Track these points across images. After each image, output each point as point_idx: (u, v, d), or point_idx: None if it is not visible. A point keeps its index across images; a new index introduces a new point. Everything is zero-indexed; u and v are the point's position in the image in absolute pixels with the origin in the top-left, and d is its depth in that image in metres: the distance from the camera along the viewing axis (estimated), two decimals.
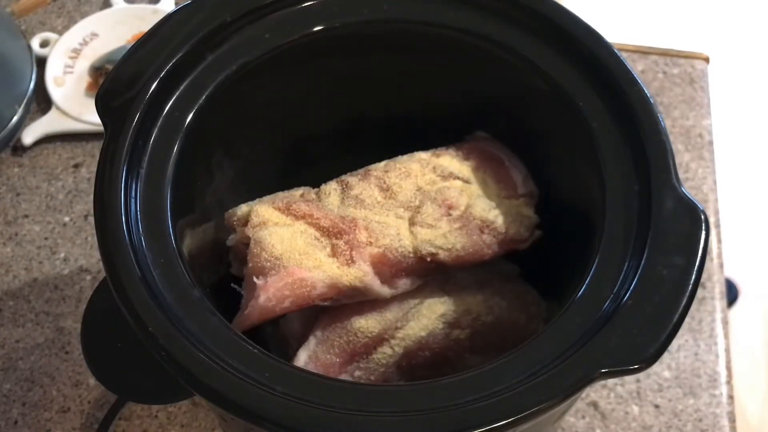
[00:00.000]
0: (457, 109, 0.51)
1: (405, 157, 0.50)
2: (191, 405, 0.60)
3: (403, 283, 0.47)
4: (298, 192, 0.48)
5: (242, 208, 0.47)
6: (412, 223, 0.47)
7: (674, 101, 0.76)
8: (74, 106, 0.73)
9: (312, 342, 0.46)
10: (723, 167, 0.77)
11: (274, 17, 0.46)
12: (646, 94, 0.42)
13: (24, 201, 0.69)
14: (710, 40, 1.65)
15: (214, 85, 0.44)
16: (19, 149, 0.72)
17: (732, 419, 0.60)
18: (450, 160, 0.49)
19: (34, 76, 0.74)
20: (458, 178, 0.49)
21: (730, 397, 0.61)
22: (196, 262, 0.43)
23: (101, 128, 0.42)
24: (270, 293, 0.43)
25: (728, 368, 0.63)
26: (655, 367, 0.62)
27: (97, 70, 0.74)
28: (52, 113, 0.73)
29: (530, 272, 0.51)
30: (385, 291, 0.46)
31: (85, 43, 0.77)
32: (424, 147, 0.50)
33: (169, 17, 0.45)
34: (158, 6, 0.80)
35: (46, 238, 0.67)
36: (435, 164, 0.49)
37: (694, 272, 0.37)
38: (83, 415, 0.60)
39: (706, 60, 0.79)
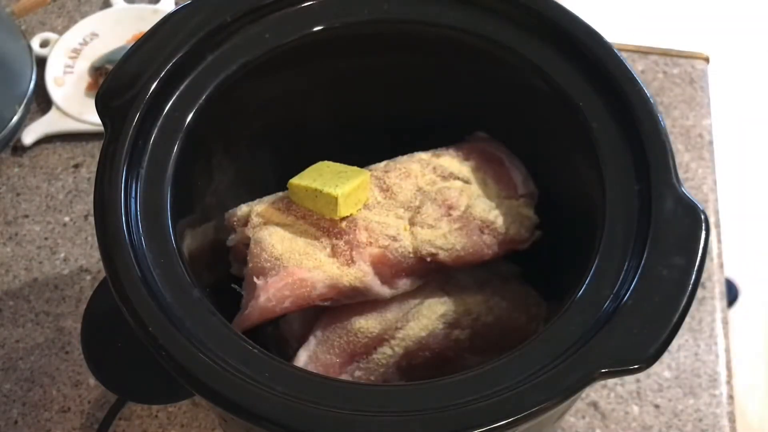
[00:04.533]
0: (457, 109, 0.51)
1: (405, 157, 0.50)
2: (191, 405, 0.60)
3: (403, 284, 0.47)
4: None
5: (242, 209, 0.47)
6: (412, 223, 0.47)
7: (674, 101, 0.76)
8: (74, 106, 0.73)
9: (312, 342, 0.46)
10: (723, 167, 0.77)
11: (274, 17, 0.46)
12: (646, 94, 0.42)
13: (24, 201, 0.69)
14: (710, 40, 1.65)
15: (214, 85, 0.44)
16: (19, 149, 0.72)
17: (732, 419, 0.60)
18: (450, 161, 0.49)
19: (34, 76, 0.74)
20: (458, 178, 0.49)
21: (730, 397, 0.61)
22: (196, 262, 0.43)
23: (101, 128, 0.42)
24: (270, 293, 0.43)
25: (728, 368, 0.63)
26: (655, 367, 0.62)
27: (97, 70, 0.74)
28: (52, 113, 0.73)
29: (530, 272, 0.51)
30: (385, 291, 0.46)
31: (85, 43, 0.77)
32: (424, 147, 0.50)
33: (169, 17, 0.45)
34: (158, 6, 0.80)
35: (46, 238, 0.67)
36: (435, 164, 0.49)
37: (694, 272, 0.37)
38: (83, 415, 0.60)
39: (706, 60, 0.79)
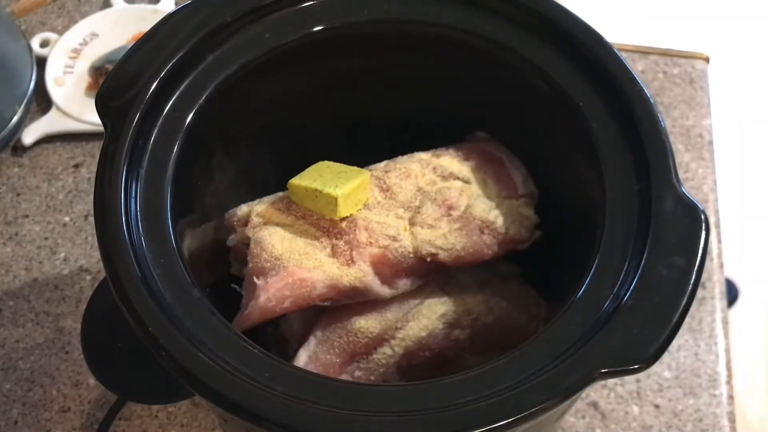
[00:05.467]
0: (457, 109, 0.51)
1: (405, 157, 0.50)
2: (191, 405, 0.60)
3: (403, 284, 0.47)
4: None
5: (242, 209, 0.47)
6: (412, 223, 0.47)
7: (674, 101, 0.76)
8: (74, 106, 0.73)
9: (312, 342, 0.46)
10: (723, 167, 0.77)
11: (274, 17, 0.46)
12: (646, 94, 0.42)
13: (24, 201, 0.69)
14: (710, 40, 1.65)
15: (214, 85, 0.44)
16: (19, 149, 0.72)
17: (732, 419, 0.60)
18: (450, 161, 0.49)
19: (34, 76, 0.74)
20: (458, 178, 0.49)
21: (730, 397, 0.61)
22: (196, 262, 0.43)
23: (101, 128, 0.42)
24: (270, 293, 0.43)
25: (728, 368, 0.63)
26: (655, 367, 0.62)
27: (97, 70, 0.74)
28: (52, 113, 0.73)
29: (530, 272, 0.51)
30: (385, 291, 0.46)
31: (85, 43, 0.77)
32: (424, 147, 0.50)
33: (169, 17, 0.45)
34: (158, 6, 0.80)
35: (46, 238, 0.67)
36: (435, 164, 0.49)
37: (694, 272, 0.37)
38: (83, 415, 0.60)
39: (706, 60, 0.79)
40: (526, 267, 0.51)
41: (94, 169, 0.48)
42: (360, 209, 0.46)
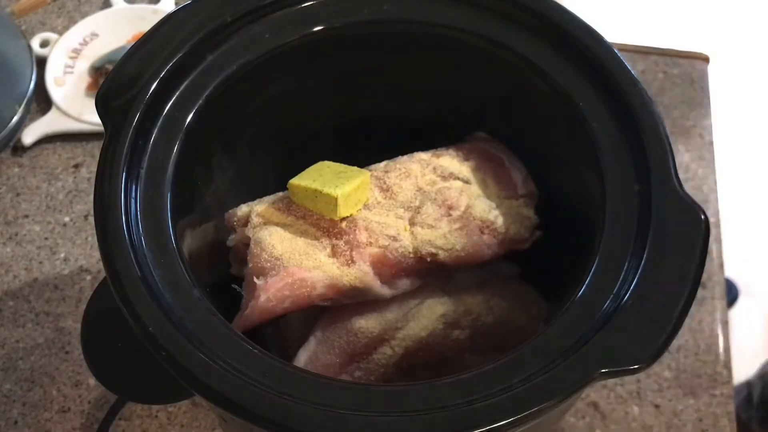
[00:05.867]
0: (456, 109, 0.51)
1: (405, 157, 0.50)
2: (191, 405, 0.60)
3: (403, 284, 0.47)
4: None
5: (242, 209, 0.47)
6: (412, 223, 0.47)
7: (674, 101, 0.76)
8: (74, 106, 0.73)
9: (312, 342, 0.46)
10: (723, 167, 0.77)
11: (274, 17, 0.46)
12: (646, 94, 0.42)
13: (24, 201, 0.69)
14: (710, 40, 1.65)
15: (214, 85, 0.44)
16: (19, 149, 0.72)
17: (732, 419, 0.60)
18: (450, 161, 0.49)
19: (34, 76, 0.74)
20: (458, 178, 0.49)
21: (730, 397, 0.61)
22: (196, 262, 0.43)
23: (101, 128, 0.42)
24: (270, 293, 0.43)
25: (728, 368, 0.63)
26: (655, 367, 0.62)
27: (97, 70, 0.74)
28: (52, 113, 0.73)
29: (530, 272, 0.51)
30: (385, 291, 0.46)
31: (85, 43, 0.77)
32: (425, 147, 0.50)
33: (169, 17, 0.45)
34: (158, 6, 0.80)
35: (46, 238, 0.67)
36: (435, 164, 0.49)
37: (694, 272, 0.37)
38: (83, 415, 0.60)
39: (706, 60, 0.79)
40: (526, 267, 0.51)
41: (94, 169, 0.48)
42: (360, 209, 0.46)
